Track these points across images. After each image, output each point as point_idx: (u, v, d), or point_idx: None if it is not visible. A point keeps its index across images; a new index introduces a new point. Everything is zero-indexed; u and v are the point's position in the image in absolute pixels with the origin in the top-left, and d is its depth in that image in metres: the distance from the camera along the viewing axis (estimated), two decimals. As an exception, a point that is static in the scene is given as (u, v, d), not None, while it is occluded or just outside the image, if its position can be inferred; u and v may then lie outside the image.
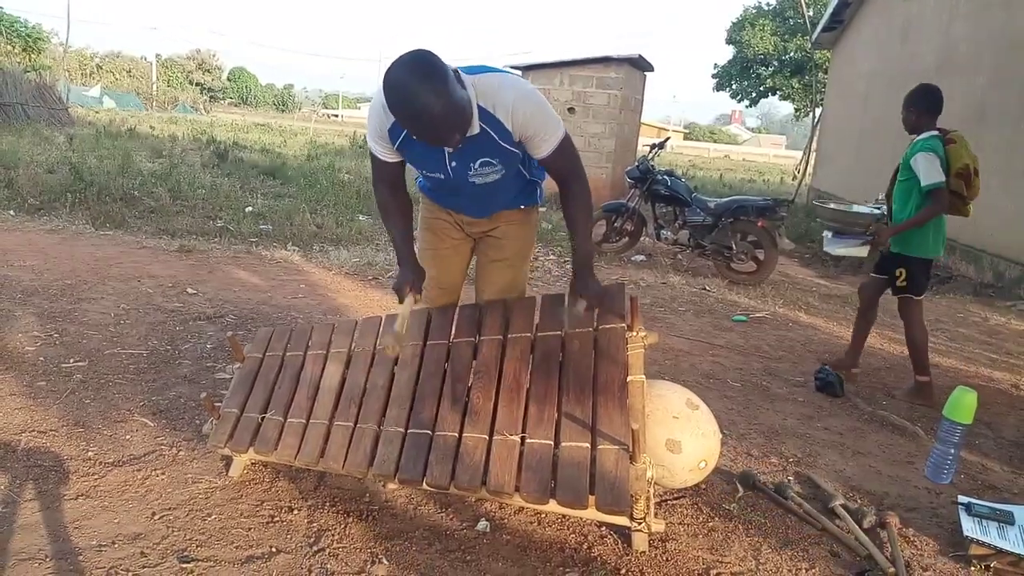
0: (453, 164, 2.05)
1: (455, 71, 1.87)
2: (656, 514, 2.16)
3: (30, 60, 23.82)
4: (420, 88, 1.73)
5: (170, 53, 53.80)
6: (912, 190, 3.48)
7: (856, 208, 4.13)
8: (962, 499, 2.41)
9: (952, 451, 2.70)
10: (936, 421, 2.93)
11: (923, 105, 3.52)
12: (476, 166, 2.05)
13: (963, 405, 2.70)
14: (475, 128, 1.95)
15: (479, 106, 1.94)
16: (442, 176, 2.11)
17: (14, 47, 23.53)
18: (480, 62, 2.11)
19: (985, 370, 4.25)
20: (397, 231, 2.26)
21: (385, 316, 2.52)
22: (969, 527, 2.25)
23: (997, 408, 3.59)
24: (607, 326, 2.16)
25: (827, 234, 4.13)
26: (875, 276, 3.77)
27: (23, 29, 24.39)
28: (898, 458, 2.93)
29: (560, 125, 2.04)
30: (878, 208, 4.07)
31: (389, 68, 1.77)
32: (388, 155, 2.14)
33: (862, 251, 3.90)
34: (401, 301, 2.21)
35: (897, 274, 3.57)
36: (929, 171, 3.36)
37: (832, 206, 4.06)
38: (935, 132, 3.49)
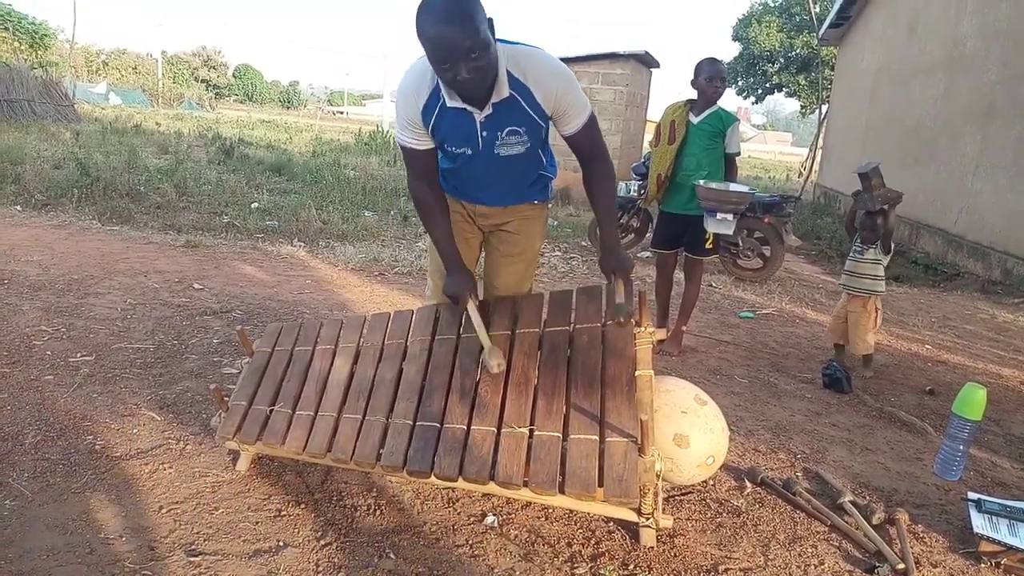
0: (484, 134, 2.06)
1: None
2: (664, 510, 2.15)
3: (36, 57, 23.85)
4: (452, 5, 1.75)
5: (176, 50, 53.98)
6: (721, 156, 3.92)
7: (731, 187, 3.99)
8: (972, 496, 2.40)
9: (961, 447, 2.68)
10: (945, 418, 2.92)
11: None
12: (503, 135, 2.07)
13: (973, 401, 2.68)
14: (504, 92, 1.96)
15: (509, 72, 1.95)
16: (470, 150, 2.11)
17: (21, 44, 23.57)
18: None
19: (993, 367, 4.23)
20: (440, 232, 2.25)
21: (394, 312, 2.52)
22: (979, 524, 2.23)
23: (1006, 405, 3.57)
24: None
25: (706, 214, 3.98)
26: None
27: (30, 25, 24.42)
28: (907, 454, 2.91)
29: (588, 102, 2.09)
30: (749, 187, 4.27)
31: None
32: (421, 142, 2.13)
33: (729, 227, 3.94)
34: (460, 306, 2.24)
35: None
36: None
37: (712, 185, 3.88)
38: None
